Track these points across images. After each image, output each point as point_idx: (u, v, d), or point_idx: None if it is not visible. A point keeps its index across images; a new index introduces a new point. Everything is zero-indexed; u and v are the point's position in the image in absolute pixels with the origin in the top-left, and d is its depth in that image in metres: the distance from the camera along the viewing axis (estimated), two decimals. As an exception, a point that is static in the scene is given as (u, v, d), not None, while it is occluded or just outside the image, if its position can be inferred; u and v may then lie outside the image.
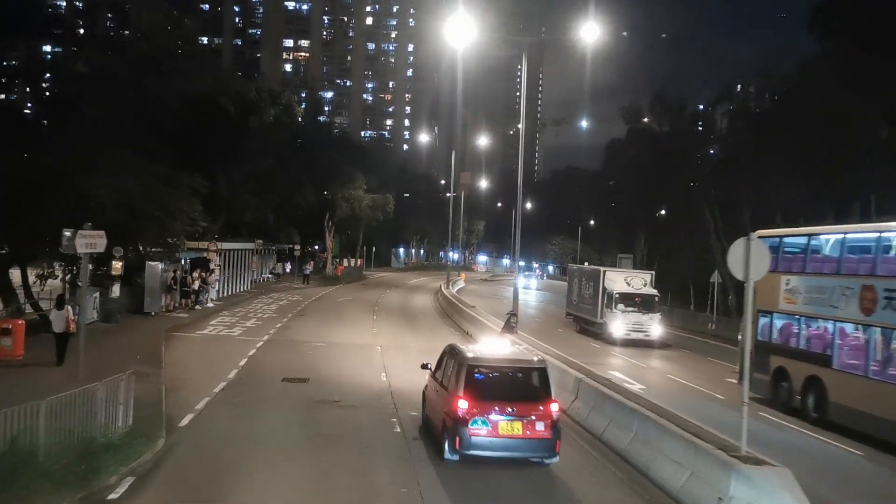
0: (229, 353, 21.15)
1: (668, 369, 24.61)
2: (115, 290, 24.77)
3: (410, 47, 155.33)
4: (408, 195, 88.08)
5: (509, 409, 11.24)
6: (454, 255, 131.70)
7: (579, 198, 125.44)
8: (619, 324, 29.01)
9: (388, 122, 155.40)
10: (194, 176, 27.58)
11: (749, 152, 38.09)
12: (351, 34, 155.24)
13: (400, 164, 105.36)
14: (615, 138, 64.90)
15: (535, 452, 11.47)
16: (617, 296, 29.28)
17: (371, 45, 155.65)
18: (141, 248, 28.66)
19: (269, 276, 54.16)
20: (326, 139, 68.55)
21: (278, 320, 30.26)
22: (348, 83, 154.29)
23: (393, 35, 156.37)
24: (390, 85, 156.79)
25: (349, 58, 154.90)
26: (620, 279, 30.41)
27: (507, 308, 47.25)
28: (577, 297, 33.70)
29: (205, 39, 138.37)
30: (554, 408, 11.40)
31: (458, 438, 11.17)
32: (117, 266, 24.58)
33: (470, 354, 12.18)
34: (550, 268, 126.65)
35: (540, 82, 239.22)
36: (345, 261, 72.89)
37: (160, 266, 27.80)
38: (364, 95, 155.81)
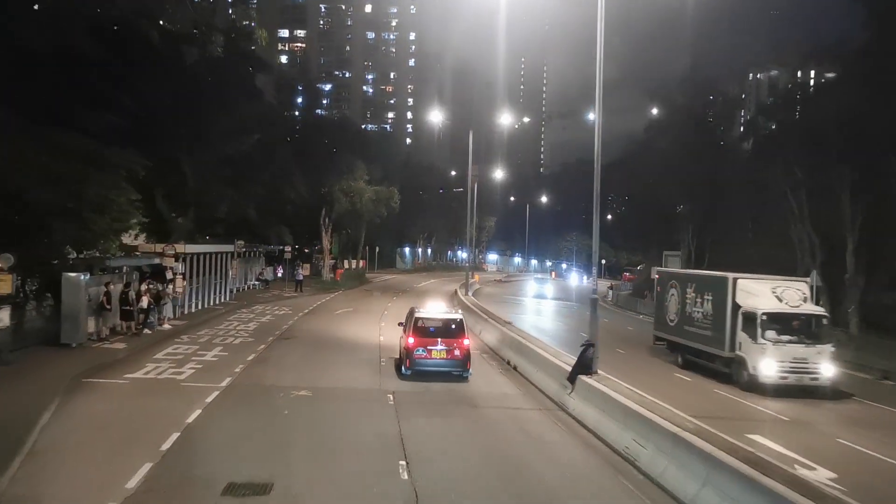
0: (156, 420, 13.32)
1: (834, 429, 16.45)
2: (3, 317, 16.88)
3: (412, 36, 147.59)
4: (413, 190, 79.88)
5: (439, 342, 18.35)
6: (463, 255, 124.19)
7: (602, 190, 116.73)
8: (769, 362, 19.16)
9: (390, 114, 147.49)
10: (128, 152, 19.49)
11: (848, 123, 30.04)
12: (349, 23, 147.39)
13: (403, 158, 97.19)
14: (654, 118, 57.09)
15: (454, 368, 18.53)
16: (763, 317, 19.53)
17: (371, 35, 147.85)
18: (66, 253, 20.90)
19: (256, 282, 46.34)
20: (322, 124, 60.49)
21: (252, 348, 22.37)
22: (347, 74, 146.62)
23: (394, 23, 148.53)
24: (391, 76, 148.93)
25: (348, 48, 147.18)
26: (764, 291, 20.48)
27: (547, 323, 39.66)
28: (676, 314, 24.11)
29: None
30: (466, 342, 18.69)
31: (408, 360, 18.39)
32: (5, 280, 16.72)
33: (418, 313, 19.13)
34: (564, 266, 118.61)
35: (544, 76, 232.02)
36: (345, 262, 64.98)
37: (82, 278, 19.90)
38: (364, 87, 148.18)
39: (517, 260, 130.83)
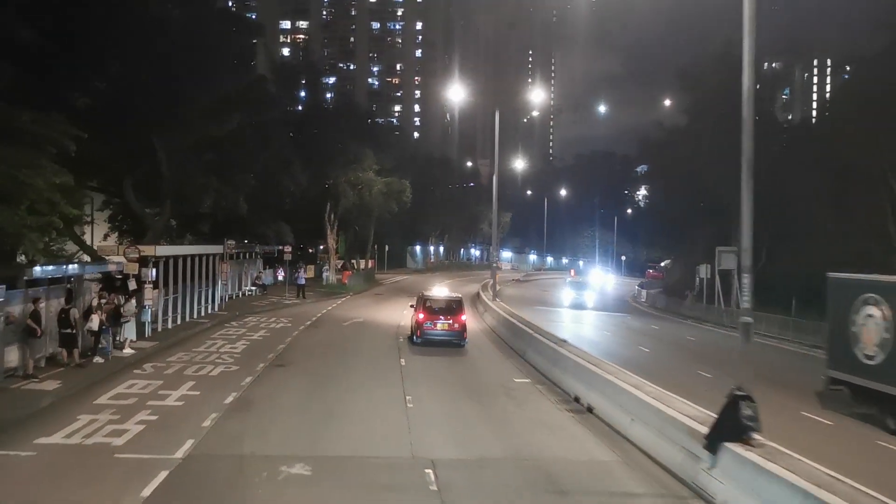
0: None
1: None
2: None
3: (419, 25, 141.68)
4: (425, 184, 74.05)
5: (442, 318, 23.38)
6: (476, 253, 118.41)
7: (619, 183, 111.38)
8: None
9: (397, 107, 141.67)
10: (52, 117, 13.81)
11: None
12: (353, 13, 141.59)
13: (411, 150, 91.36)
14: (688, 102, 51.28)
15: (454, 338, 23.36)
16: None
17: (376, 25, 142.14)
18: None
19: (253, 288, 40.76)
20: (326, 111, 54.81)
21: (235, 383, 16.74)
22: (352, 66, 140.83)
23: (399, 13, 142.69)
24: (398, 68, 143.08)
25: (352, 39, 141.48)
26: None
27: (595, 335, 33.59)
28: (880, 348, 15.91)
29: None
30: (463, 317, 23.85)
31: (419, 331, 23.45)
32: None
33: (426, 294, 24.98)
34: (581, 263, 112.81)
35: (552, 69, 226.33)
36: (353, 262, 59.31)
37: (-7, 295, 14.31)
38: (369, 79, 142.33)
39: (532, 257, 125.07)
